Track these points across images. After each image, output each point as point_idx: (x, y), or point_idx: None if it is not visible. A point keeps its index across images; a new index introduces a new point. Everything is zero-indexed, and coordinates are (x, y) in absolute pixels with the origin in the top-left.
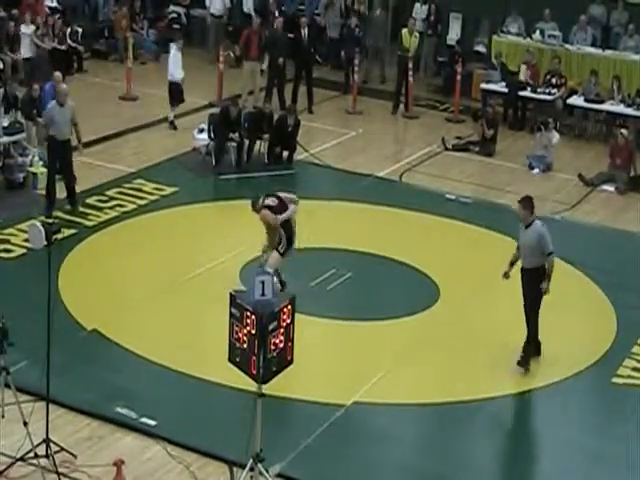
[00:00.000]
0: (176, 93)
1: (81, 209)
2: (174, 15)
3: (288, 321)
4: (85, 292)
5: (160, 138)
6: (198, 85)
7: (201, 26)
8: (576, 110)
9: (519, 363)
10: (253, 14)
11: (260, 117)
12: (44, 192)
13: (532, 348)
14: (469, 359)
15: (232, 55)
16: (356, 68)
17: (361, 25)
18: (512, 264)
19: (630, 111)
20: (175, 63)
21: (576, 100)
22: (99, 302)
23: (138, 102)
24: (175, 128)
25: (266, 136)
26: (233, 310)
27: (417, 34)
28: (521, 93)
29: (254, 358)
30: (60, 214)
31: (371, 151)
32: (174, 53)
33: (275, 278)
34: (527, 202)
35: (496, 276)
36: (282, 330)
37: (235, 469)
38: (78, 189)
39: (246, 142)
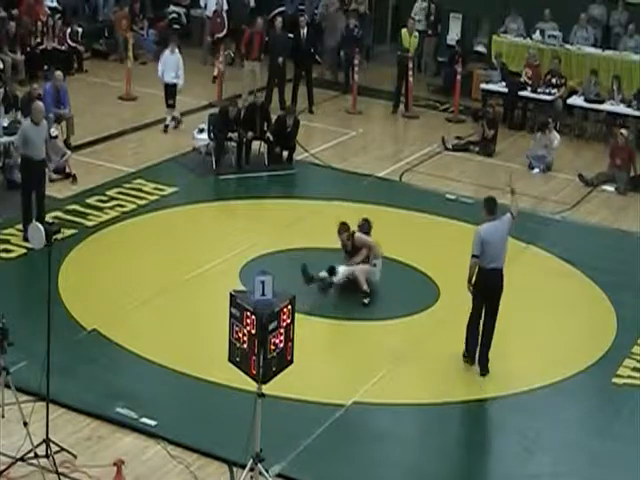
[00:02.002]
0: (165, 95)
1: (81, 209)
2: (174, 15)
3: (288, 321)
4: (85, 292)
5: (160, 138)
6: (198, 85)
7: (201, 26)
8: (576, 110)
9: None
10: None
11: (252, 109)
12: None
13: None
14: None
15: (231, 54)
16: (356, 68)
17: (361, 25)
18: None
19: (630, 111)
20: (164, 64)
21: (576, 100)
22: (99, 302)
23: (138, 102)
24: (165, 131)
25: (261, 136)
26: (233, 310)
27: (417, 34)
28: (521, 93)
29: (254, 358)
30: (60, 214)
31: (371, 151)
32: (165, 54)
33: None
34: (486, 202)
35: None
36: (282, 330)
37: (235, 469)
38: (78, 189)
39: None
